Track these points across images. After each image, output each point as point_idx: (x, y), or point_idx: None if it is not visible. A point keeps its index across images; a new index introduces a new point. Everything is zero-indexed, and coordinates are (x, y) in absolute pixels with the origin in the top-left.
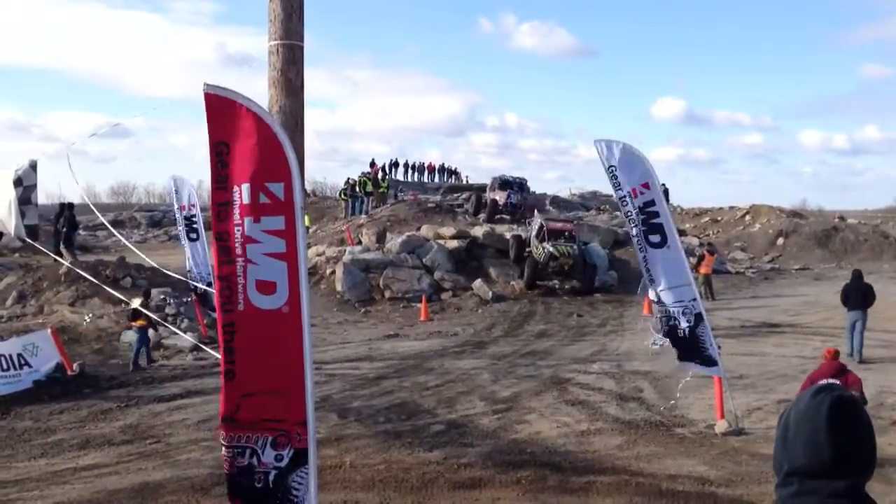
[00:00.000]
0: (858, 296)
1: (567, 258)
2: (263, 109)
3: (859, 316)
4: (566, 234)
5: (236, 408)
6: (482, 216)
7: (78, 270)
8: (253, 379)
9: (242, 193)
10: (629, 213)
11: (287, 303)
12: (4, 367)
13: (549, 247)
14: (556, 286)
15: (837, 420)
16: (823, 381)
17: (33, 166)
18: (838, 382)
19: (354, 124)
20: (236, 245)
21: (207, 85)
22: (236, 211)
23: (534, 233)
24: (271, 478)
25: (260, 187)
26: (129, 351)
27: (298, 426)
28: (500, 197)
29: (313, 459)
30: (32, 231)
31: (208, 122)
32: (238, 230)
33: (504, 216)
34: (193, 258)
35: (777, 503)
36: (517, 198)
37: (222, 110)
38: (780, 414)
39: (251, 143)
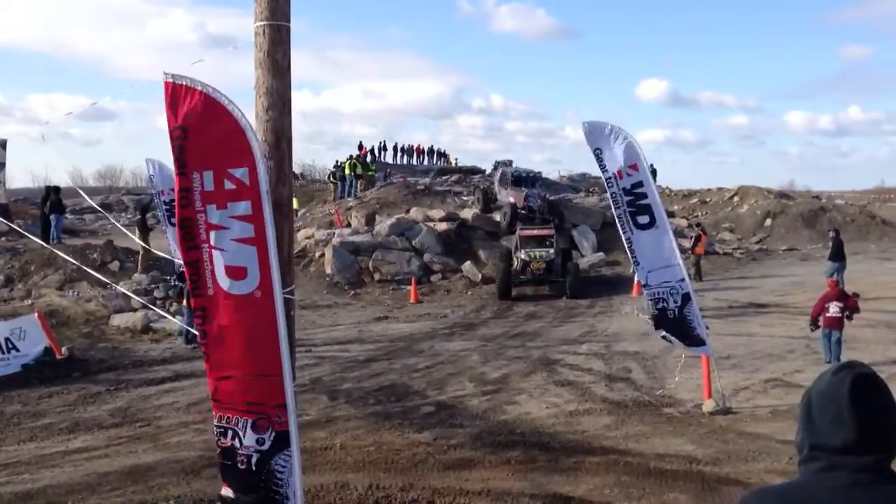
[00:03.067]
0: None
1: (539, 262)
2: (225, 96)
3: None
4: (546, 240)
5: (216, 388)
6: (500, 218)
7: (64, 256)
8: (228, 362)
9: (203, 180)
10: (614, 195)
11: (259, 287)
12: None
13: (522, 254)
14: (531, 293)
15: (860, 397)
16: (844, 360)
17: (2, 145)
18: (858, 361)
19: (340, 106)
20: (200, 231)
21: (167, 74)
22: (197, 197)
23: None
24: (254, 461)
25: (223, 174)
26: (177, 333)
27: (278, 409)
28: (516, 199)
29: (296, 442)
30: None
31: (166, 109)
32: (201, 217)
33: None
34: (174, 242)
35: (805, 478)
36: (537, 200)
37: (181, 98)
38: (804, 392)
39: (212, 130)
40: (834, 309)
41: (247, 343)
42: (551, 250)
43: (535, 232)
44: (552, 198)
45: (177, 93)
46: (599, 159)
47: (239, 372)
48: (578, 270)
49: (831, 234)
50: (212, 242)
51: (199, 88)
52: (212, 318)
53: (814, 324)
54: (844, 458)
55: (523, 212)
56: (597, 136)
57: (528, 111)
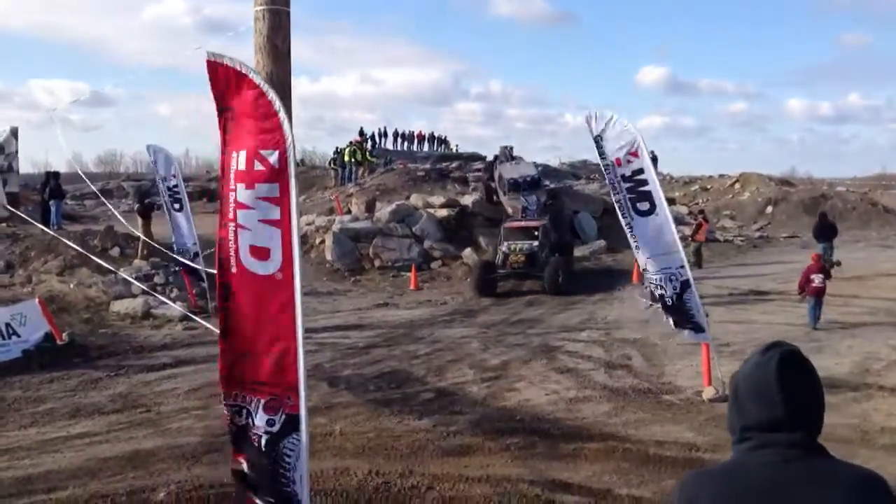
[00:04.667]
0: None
1: (518, 255)
2: (261, 77)
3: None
4: (533, 231)
5: (231, 366)
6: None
7: (66, 242)
8: (246, 340)
9: (238, 160)
10: (612, 181)
11: (280, 269)
12: None
13: (503, 247)
14: (513, 288)
15: (787, 376)
16: (772, 341)
17: (14, 133)
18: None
19: (338, 92)
20: (230, 210)
21: (209, 53)
22: (232, 176)
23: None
24: (263, 442)
25: (255, 154)
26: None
27: (290, 391)
28: (514, 211)
29: (305, 427)
30: (14, 199)
31: (213, 89)
32: (232, 195)
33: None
34: (178, 228)
35: (738, 457)
36: (535, 212)
37: (224, 78)
38: (732, 374)
39: (248, 110)
40: (818, 280)
41: (264, 323)
42: (535, 243)
43: (523, 224)
44: (553, 185)
45: (219, 72)
46: (599, 147)
47: (255, 351)
48: (564, 264)
49: (819, 216)
50: (238, 221)
51: (238, 68)
52: (233, 295)
53: (801, 290)
54: (774, 436)
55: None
56: (597, 124)
57: (528, 97)
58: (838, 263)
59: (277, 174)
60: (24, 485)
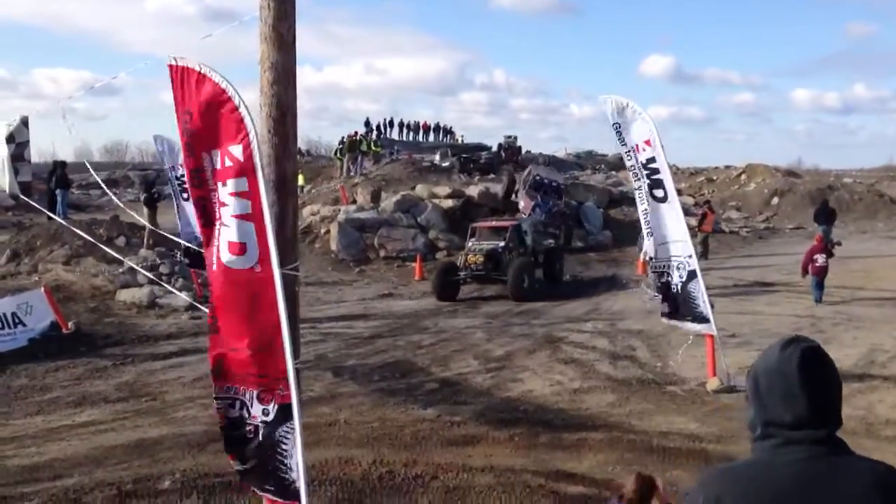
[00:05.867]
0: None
1: (475, 255)
2: (217, 72)
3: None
4: (502, 232)
5: (221, 360)
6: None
7: (74, 230)
8: (234, 334)
9: (213, 159)
10: (633, 167)
11: (258, 262)
12: None
13: (468, 246)
14: (472, 292)
15: (809, 372)
16: (792, 335)
17: (25, 122)
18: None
19: (343, 82)
20: (215, 209)
21: (171, 57)
22: (209, 176)
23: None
24: (261, 431)
25: (224, 152)
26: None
27: (280, 381)
28: (525, 205)
29: (297, 415)
30: (26, 188)
31: (174, 92)
32: (214, 195)
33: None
34: (185, 218)
35: (762, 455)
36: (542, 214)
37: (185, 80)
38: (749, 368)
39: (211, 108)
40: (821, 260)
41: (248, 317)
42: (500, 243)
43: (493, 223)
44: (563, 182)
45: (181, 75)
46: (619, 133)
47: (243, 345)
48: (530, 266)
49: (821, 202)
50: (221, 220)
51: (196, 68)
52: (217, 292)
53: (805, 270)
54: (799, 433)
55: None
56: (615, 111)
57: (532, 88)
58: (839, 243)
59: (244, 168)
60: (31, 472)
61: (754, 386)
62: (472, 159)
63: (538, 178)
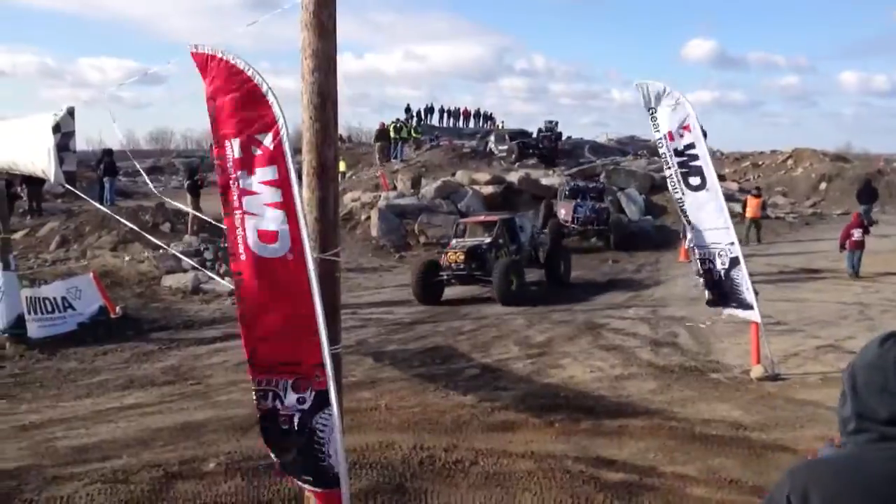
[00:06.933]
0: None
1: (456, 253)
2: (244, 60)
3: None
4: (489, 228)
5: (254, 351)
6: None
7: (117, 217)
8: (266, 324)
9: (234, 148)
10: (664, 156)
11: (291, 250)
12: (49, 309)
13: (451, 244)
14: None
15: None
16: (891, 331)
17: (71, 112)
18: None
19: (383, 68)
20: (234, 198)
21: (193, 45)
22: (230, 165)
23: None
24: (296, 420)
25: (250, 140)
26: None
27: (316, 368)
28: (566, 212)
29: (335, 400)
30: (71, 177)
31: (203, 80)
32: (234, 184)
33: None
34: None
35: (856, 450)
36: (585, 212)
37: (209, 68)
38: (848, 364)
39: (236, 97)
40: (857, 234)
41: (281, 305)
42: (485, 240)
43: (480, 218)
44: (599, 183)
45: (205, 64)
46: (653, 119)
47: (275, 333)
48: (515, 267)
49: (864, 182)
50: (244, 208)
51: (221, 56)
52: (246, 282)
53: (842, 246)
54: (894, 430)
55: (567, 224)
56: (650, 96)
57: (572, 73)
58: (876, 222)
59: (275, 157)
60: (80, 454)
61: (852, 381)
62: (532, 144)
63: (574, 185)
